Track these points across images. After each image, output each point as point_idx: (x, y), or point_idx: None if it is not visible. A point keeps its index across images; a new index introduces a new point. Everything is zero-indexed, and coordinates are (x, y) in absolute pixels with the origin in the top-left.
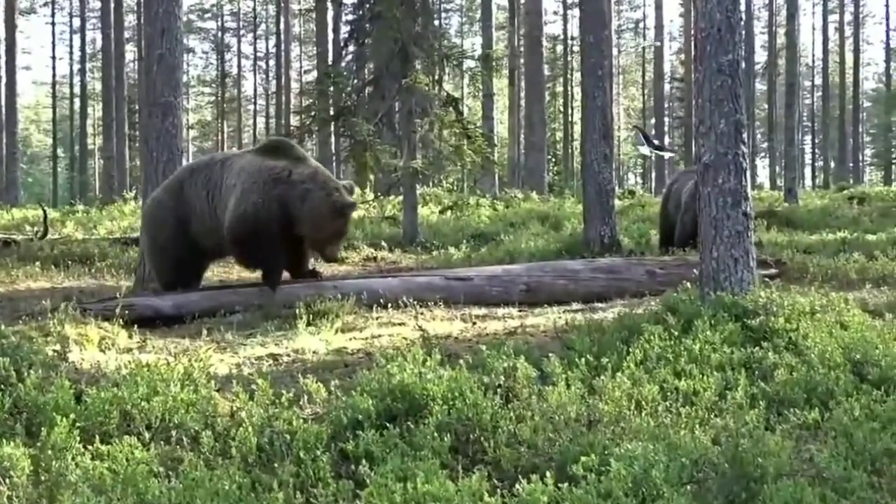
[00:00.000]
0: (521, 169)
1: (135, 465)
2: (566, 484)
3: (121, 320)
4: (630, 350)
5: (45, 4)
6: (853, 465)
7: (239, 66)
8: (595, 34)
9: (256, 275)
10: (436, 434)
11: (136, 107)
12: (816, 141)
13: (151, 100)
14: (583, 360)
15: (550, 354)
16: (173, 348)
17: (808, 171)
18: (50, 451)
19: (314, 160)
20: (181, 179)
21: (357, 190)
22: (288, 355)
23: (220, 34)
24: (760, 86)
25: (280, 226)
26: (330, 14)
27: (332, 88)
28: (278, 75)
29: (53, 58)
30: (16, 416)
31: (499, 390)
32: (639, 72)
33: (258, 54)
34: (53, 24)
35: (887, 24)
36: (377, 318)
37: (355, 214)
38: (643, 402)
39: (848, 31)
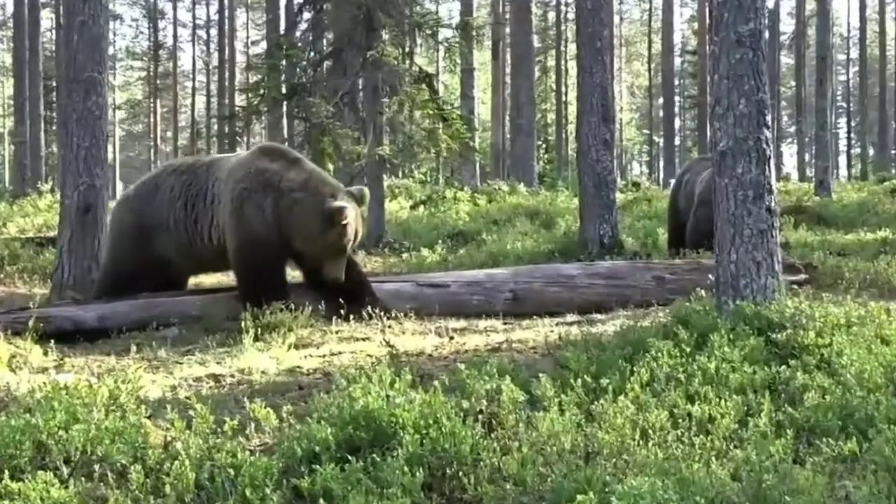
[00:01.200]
0: (506, 157)
1: None
2: None
3: (35, 334)
4: (634, 369)
5: None
6: None
7: (175, 35)
8: None
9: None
10: (406, 468)
11: (54, 84)
12: (853, 124)
13: (72, 75)
14: (579, 381)
15: (541, 375)
16: (97, 368)
17: (842, 160)
18: None
19: (311, 164)
20: (157, 182)
21: (367, 196)
22: (232, 376)
23: None
24: (787, 60)
25: (282, 246)
26: None
27: (284, 62)
28: (221, 47)
29: None
30: None
31: (480, 417)
32: (644, 43)
33: (197, 22)
34: None
35: None
36: (337, 332)
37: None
38: (650, 431)
39: None
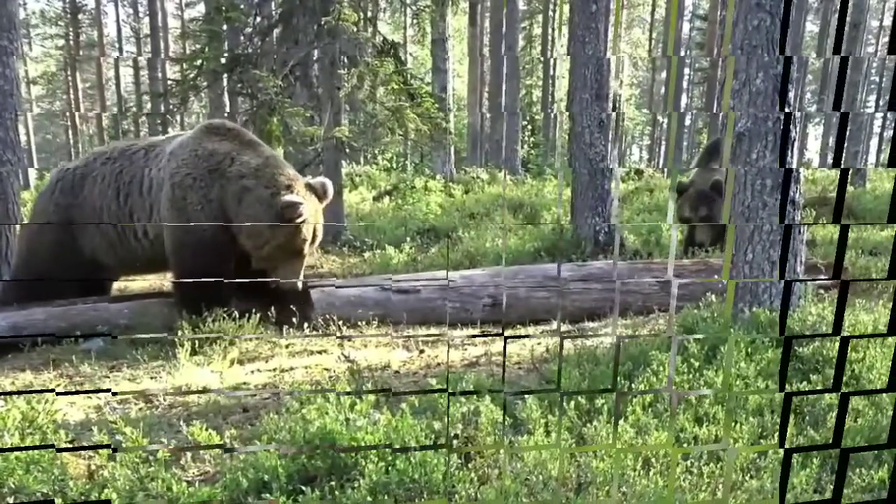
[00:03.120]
0: (485, 140)
1: None
2: None
3: None
4: (634, 387)
5: None
6: None
7: None
8: None
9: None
10: (369, 500)
11: None
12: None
13: None
14: (570, 400)
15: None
16: (9, 385)
17: (874, 143)
18: None
19: (269, 149)
20: (85, 171)
21: (330, 190)
22: (166, 395)
23: None
24: (812, 26)
25: (227, 243)
26: None
27: (225, 28)
28: (152, 11)
29: None
30: None
31: (455, 442)
32: (647, 7)
33: None
34: None
35: None
36: (288, 345)
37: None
38: (652, 458)
39: None
